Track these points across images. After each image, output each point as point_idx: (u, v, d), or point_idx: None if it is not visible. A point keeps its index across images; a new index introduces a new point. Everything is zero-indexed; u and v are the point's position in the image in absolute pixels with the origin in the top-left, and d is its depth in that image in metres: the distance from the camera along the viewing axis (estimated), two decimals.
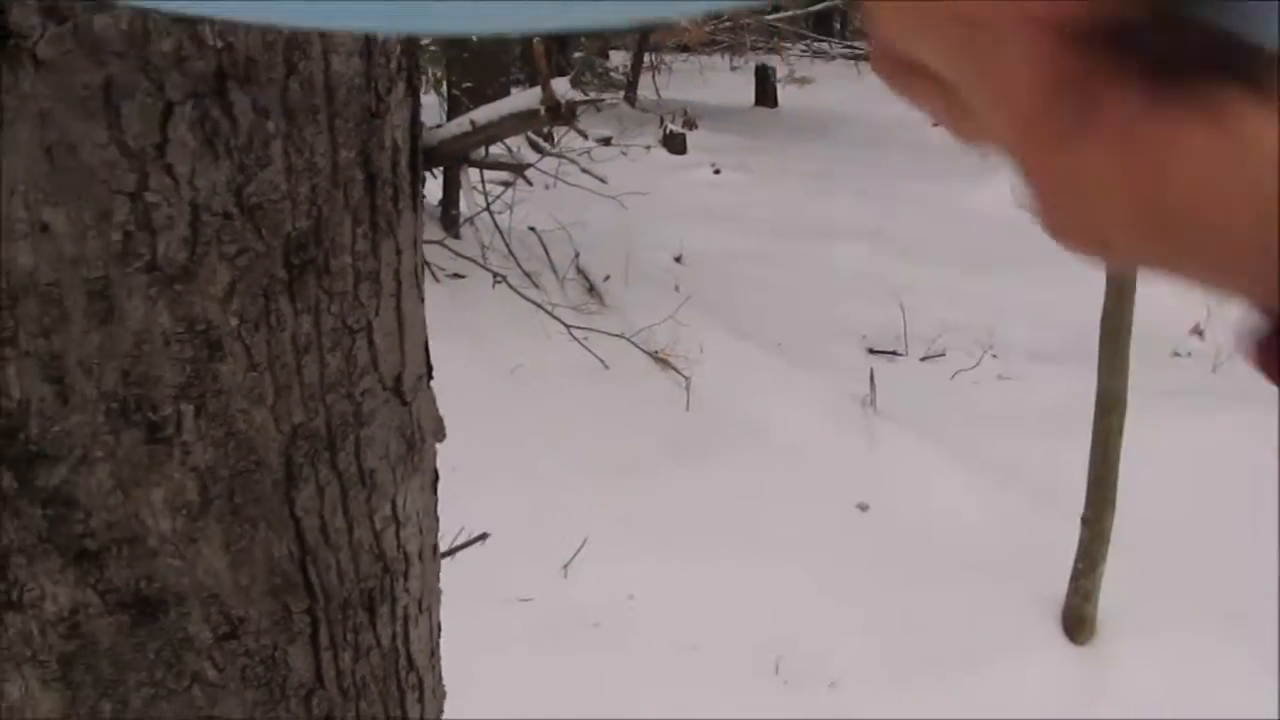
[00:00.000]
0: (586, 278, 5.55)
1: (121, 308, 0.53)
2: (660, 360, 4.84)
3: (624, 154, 9.71)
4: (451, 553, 2.78)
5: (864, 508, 4.07)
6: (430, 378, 0.73)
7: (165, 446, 0.57)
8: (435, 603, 0.78)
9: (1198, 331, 5.91)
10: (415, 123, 0.66)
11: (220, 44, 0.54)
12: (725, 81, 15.45)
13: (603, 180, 6.73)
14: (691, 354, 4.90)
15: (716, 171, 9.55)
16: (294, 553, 0.63)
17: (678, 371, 4.80)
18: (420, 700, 0.76)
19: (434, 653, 0.78)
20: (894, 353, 5.55)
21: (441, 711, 0.82)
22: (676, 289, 5.64)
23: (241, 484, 0.60)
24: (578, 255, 5.82)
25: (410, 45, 0.64)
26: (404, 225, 0.66)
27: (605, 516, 3.87)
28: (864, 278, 6.64)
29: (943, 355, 5.56)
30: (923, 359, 5.54)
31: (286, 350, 0.60)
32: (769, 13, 17.67)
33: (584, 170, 6.77)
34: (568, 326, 4.93)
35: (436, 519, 0.76)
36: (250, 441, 0.60)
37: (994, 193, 7.26)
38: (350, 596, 0.67)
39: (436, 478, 0.76)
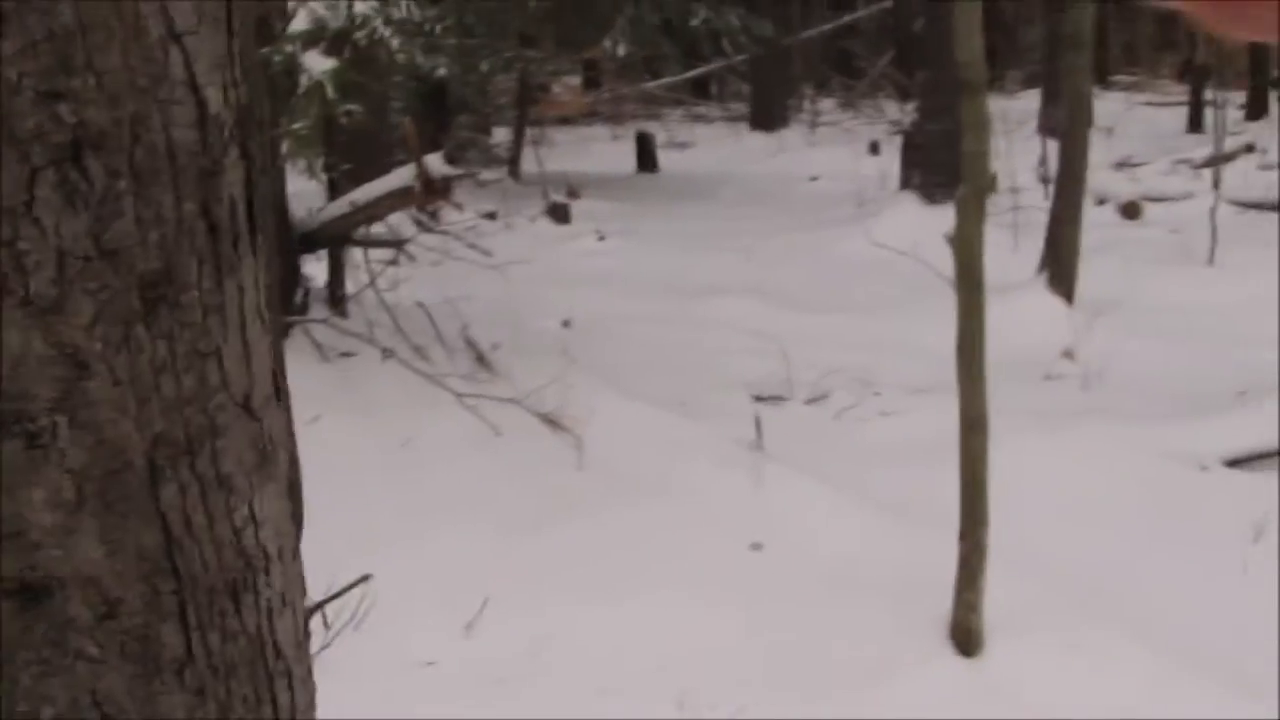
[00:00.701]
0: (475, 348, 5.66)
1: (1, 336, 0.65)
2: (550, 422, 4.95)
3: (509, 227, 9.87)
4: (333, 599, 2.85)
5: (757, 546, 4.21)
6: (280, 399, 0.85)
7: (43, 452, 0.69)
8: (299, 599, 0.89)
9: (1068, 355, 6.23)
10: (250, 182, 0.79)
11: (75, 120, 0.67)
12: (607, 150, 15.68)
13: (488, 254, 6.84)
14: (582, 414, 5.01)
15: (601, 238, 9.74)
16: (160, 543, 0.74)
17: (568, 431, 4.91)
18: (290, 688, 0.86)
19: (301, 645, 0.89)
20: (779, 398, 5.74)
21: (314, 703, 0.92)
22: (565, 353, 5.76)
23: (112, 483, 0.71)
24: (465, 327, 5.92)
25: (242, 118, 0.77)
26: (245, 267, 0.78)
27: (504, 576, 3.95)
28: (748, 330, 6.84)
29: (826, 397, 5.76)
30: (807, 402, 5.74)
31: (145, 370, 0.72)
32: (647, 81, 18.05)
33: (470, 245, 6.88)
34: (458, 395, 5.03)
35: (293, 524, 0.87)
36: (118, 447, 0.71)
37: (863, 240, 7.54)
38: (215, 584, 0.78)
39: (292, 487, 0.87)
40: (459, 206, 5.76)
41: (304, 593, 0.89)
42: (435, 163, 4.43)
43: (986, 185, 3.52)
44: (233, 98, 0.75)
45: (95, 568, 0.71)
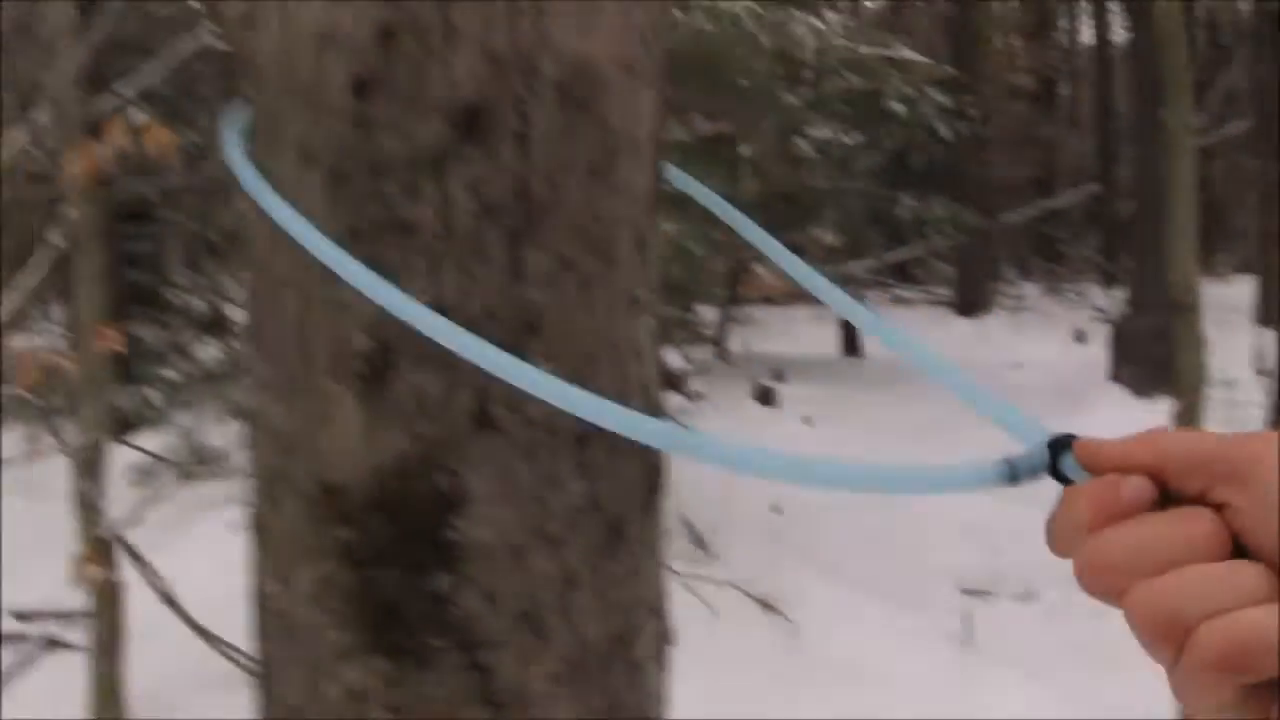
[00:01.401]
0: (692, 529, 5.94)
1: (531, 563, 0.97)
2: (766, 606, 5.15)
3: (716, 408, 10.20)
4: None
5: None
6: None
7: (546, 641, 0.99)
8: None
9: None
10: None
11: None
12: (810, 332, 15.94)
13: None
14: (793, 598, 5.20)
15: (808, 423, 9.96)
16: (606, 708, 1.03)
17: (782, 615, 5.10)
18: None
19: None
20: (987, 592, 5.80)
21: None
22: (777, 538, 5.98)
23: (580, 664, 1.01)
24: (681, 507, 6.22)
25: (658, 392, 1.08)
26: (660, 507, 1.09)
27: None
28: (956, 521, 6.91)
29: (1036, 594, 5.78)
30: (1016, 597, 5.78)
31: (607, 585, 1.03)
32: (850, 263, 18.38)
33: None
34: (679, 575, 5.29)
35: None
36: (588, 639, 1.01)
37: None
38: None
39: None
40: (693, 395, 6.10)
41: None
42: (671, 356, 4.81)
43: (1202, 400, 3.65)
44: (657, 380, 1.07)
45: None
